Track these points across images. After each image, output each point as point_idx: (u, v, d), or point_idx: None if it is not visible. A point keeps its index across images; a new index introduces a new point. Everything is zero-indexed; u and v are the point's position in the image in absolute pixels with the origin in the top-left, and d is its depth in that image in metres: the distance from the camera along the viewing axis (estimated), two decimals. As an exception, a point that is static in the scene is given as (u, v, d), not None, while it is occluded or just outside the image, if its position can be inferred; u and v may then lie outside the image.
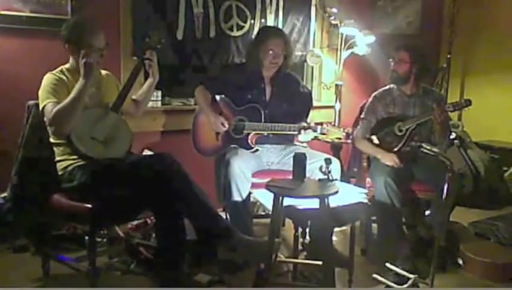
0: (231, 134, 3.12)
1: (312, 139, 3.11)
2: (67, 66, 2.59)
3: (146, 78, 2.89)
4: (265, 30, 3.30)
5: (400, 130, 3.09)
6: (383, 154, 3.06)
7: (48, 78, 2.50)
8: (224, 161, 2.91)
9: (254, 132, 3.12)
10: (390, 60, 3.19)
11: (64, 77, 2.52)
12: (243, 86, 3.16)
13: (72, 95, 2.39)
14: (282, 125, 3.03)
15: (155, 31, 2.83)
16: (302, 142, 3.27)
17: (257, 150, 3.12)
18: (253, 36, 3.80)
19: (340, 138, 3.22)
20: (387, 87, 3.28)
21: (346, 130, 2.96)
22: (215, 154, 3.14)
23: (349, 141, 3.45)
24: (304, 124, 2.99)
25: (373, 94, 3.30)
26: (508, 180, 4.29)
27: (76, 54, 2.49)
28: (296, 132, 3.01)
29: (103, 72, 2.73)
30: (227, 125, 3.08)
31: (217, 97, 3.21)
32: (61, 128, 2.44)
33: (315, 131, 2.97)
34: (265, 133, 3.13)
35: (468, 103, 2.96)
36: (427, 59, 3.31)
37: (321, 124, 2.99)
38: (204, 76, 3.78)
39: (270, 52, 3.05)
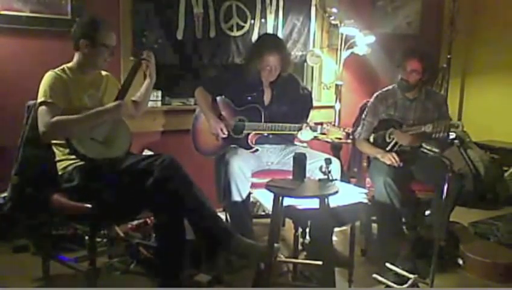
0: (231, 134, 3.12)
1: (312, 139, 3.11)
2: (69, 64, 2.57)
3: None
4: (263, 43, 3.16)
5: (389, 138, 3.10)
6: (383, 154, 3.06)
7: (47, 76, 2.48)
8: (224, 161, 2.91)
9: (254, 132, 3.12)
10: (401, 75, 3.08)
11: (65, 76, 2.51)
12: (243, 88, 3.16)
13: (83, 115, 2.41)
14: (282, 125, 3.03)
15: (151, 30, 2.81)
16: (302, 142, 3.27)
17: (257, 150, 3.12)
18: (253, 36, 3.81)
19: (340, 138, 3.23)
20: (390, 87, 3.25)
21: (346, 130, 2.97)
22: (215, 154, 3.14)
23: (349, 141, 3.45)
24: (304, 124, 2.99)
25: (375, 94, 3.28)
26: (508, 180, 4.28)
27: (89, 48, 2.50)
28: (295, 132, 3.02)
29: (103, 73, 2.72)
30: (226, 132, 3.08)
31: (218, 98, 3.22)
32: (54, 137, 2.46)
33: (315, 131, 2.97)
34: (265, 133, 3.14)
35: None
36: (435, 64, 3.28)
37: (321, 124, 2.99)
38: (204, 77, 3.78)
39: (267, 67, 3.06)
